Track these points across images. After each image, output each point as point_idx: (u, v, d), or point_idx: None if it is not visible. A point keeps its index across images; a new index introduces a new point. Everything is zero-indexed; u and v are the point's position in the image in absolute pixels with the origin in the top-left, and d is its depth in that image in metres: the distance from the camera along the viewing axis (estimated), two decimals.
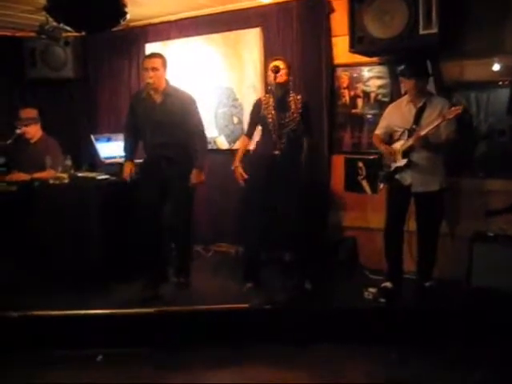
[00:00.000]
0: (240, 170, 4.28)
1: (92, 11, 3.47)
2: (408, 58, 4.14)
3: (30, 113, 5.08)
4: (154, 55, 4.31)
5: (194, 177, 4.23)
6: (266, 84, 4.67)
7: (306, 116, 4.23)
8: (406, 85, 4.10)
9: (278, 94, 4.17)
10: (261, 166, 4.19)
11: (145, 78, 4.24)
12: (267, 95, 4.30)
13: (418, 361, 3.33)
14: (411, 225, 4.11)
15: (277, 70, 4.04)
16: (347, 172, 4.95)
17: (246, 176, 4.25)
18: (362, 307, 3.96)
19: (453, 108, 3.74)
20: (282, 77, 4.11)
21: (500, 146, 4.23)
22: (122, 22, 3.80)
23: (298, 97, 4.22)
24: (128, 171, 4.41)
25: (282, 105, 4.15)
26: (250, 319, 3.79)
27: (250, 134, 4.42)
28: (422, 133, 3.82)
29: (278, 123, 4.10)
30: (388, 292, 4.08)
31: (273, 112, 4.15)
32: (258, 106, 4.31)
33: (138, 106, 4.33)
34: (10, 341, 3.58)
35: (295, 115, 4.16)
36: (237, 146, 5.45)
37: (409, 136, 3.95)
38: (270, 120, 4.16)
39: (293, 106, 4.17)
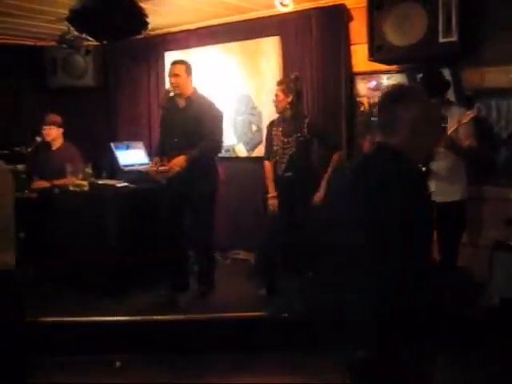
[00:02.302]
0: (275, 200, 4.29)
1: (114, 22, 3.50)
2: (423, 75, 4.04)
3: (55, 117, 5.20)
4: (176, 62, 4.40)
5: (176, 160, 4.15)
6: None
7: (314, 137, 4.29)
8: None
9: (284, 117, 4.28)
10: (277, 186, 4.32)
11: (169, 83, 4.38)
12: (278, 118, 4.38)
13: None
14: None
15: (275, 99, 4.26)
16: None
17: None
18: None
19: (467, 112, 3.71)
20: (277, 107, 4.27)
21: None
22: (144, 33, 3.83)
23: (306, 120, 4.26)
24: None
25: (287, 129, 4.26)
26: (266, 327, 3.80)
27: (269, 157, 4.42)
28: (448, 132, 3.72)
29: (282, 147, 4.25)
30: None
31: (278, 135, 4.29)
32: (269, 129, 4.45)
33: (166, 105, 4.45)
34: (32, 345, 3.63)
35: (296, 139, 4.20)
36: (256, 153, 5.45)
37: None
38: (275, 144, 4.30)
39: (297, 131, 4.21)
